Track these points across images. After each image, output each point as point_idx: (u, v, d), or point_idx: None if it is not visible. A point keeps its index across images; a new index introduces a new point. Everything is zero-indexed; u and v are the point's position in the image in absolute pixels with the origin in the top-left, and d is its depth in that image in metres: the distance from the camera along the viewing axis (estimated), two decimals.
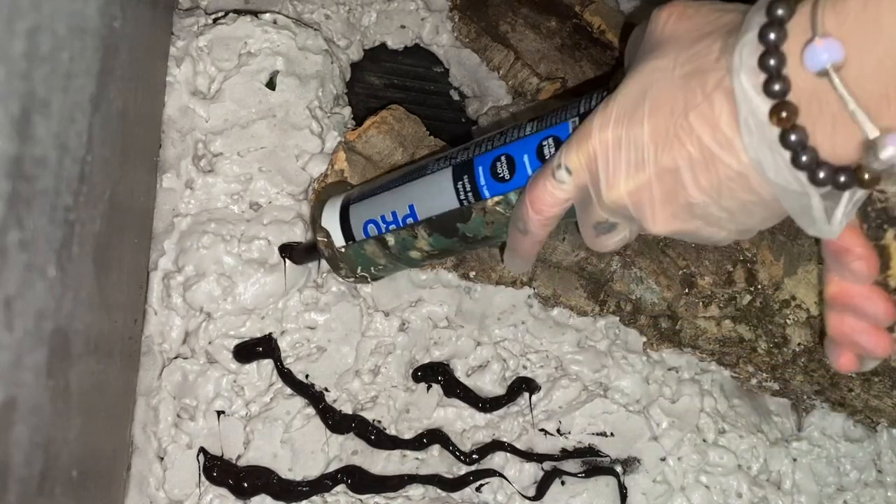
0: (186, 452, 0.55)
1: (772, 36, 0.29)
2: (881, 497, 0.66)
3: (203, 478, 0.55)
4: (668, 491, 0.63)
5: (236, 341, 0.57)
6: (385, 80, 0.80)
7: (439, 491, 0.59)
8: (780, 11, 0.29)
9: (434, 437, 0.60)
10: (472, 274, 0.63)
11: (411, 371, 0.61)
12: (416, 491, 0.59)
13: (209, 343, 0.57)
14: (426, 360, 0.62)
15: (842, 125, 0.28)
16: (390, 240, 0.47)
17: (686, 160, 0.32)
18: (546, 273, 0.64)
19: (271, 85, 0.63)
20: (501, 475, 0.60)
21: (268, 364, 0.57)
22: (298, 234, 0.59)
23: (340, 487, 0.57)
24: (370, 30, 0.79)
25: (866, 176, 0.28)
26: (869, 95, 0.27)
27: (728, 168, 0.32)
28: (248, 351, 0.57)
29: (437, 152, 0.46)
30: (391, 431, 0.60)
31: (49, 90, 0.36)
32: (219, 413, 0.56)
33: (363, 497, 0.58)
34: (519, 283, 0.64)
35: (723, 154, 0.31)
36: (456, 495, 0.60)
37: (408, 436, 0.60)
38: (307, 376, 0.58)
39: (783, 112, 0.29)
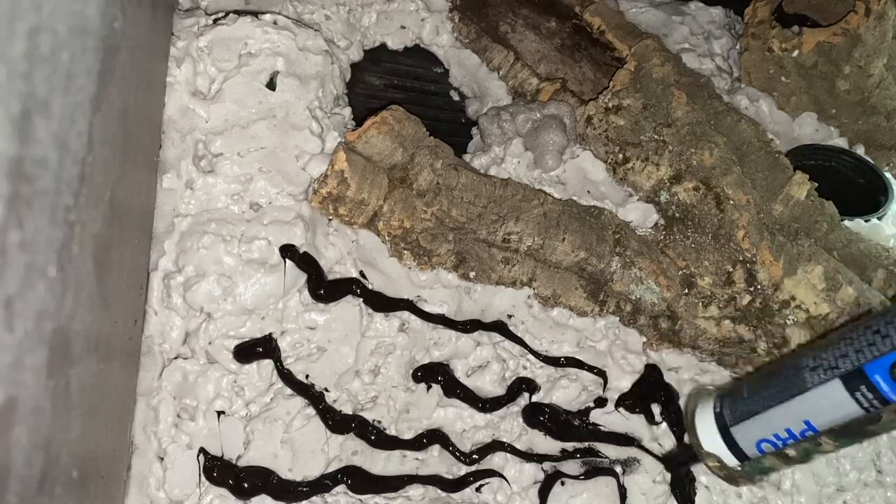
0: (186, 453, 0.55)
1: None
2: (881, 497, 0.66)
3: (203, 478, 0.55)
4: (668, 491, 0.63)
5: (236, 341, 0.57)
6: (385, 81, 0.80)
7: (439, 491, 0.59)
8: None
9: (434, 437, 0.60)
10: (472, 274, 0.63)
11: (411, 371, 0.61)
12: (416, 491, 0.59)
13: (209, 343, 0.57)
14: (426, 361, 0.62)
15: None
16: (791, 452, 0.50)
17: None
18: (546, 273, 0.64)
19: (271, 85, 0.63)
20: (501, 475, 0.60)
21: (268, 364, 0.57)
22: (298, 234, 0.59)
23: (340, 488, 0.57)
24: (370, 30, 0.79)
25: None
26: None
27: None
28: (248, 351, 0.57)
29: (795, 359, 0.50)
30: (391, 432, 0.60)
31: (49, 91, 0.36)
32: (219, 413, 0.56)
33: (363, 497, 0.58)
34: (519, 283, 0.64)
35: None
36: (456, 495, 0.59)
37: (408, 436, 0.60)
38: (307, 376, 0.58)
39: None
